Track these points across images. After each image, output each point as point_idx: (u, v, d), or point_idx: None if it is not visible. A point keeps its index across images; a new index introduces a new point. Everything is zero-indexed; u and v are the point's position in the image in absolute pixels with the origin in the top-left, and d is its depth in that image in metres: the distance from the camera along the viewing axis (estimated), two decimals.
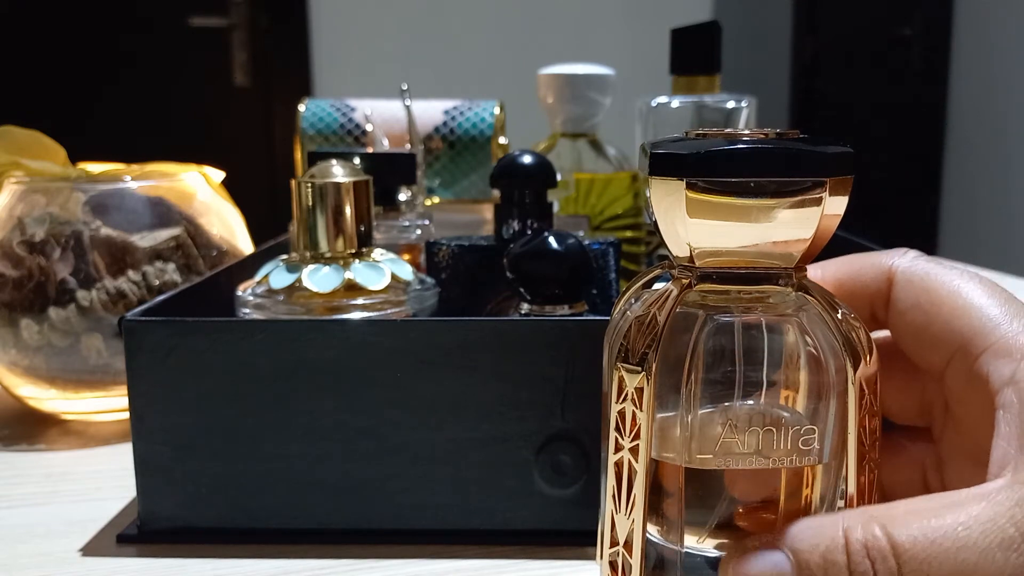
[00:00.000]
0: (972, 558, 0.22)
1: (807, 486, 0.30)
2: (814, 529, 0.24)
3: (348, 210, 0.46)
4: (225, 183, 0.62)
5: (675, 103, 0.65)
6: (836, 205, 0.28)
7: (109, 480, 0.47)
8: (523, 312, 0.45)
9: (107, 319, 0.53)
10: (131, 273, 0.54)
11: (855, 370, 0.28)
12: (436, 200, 0.70)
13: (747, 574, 0.24)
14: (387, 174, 0.57)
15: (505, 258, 0.45)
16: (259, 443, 0.39)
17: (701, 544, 0.31)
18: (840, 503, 0.30)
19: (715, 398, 0.30)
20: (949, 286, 0.29)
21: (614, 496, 0.28)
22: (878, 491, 0.29)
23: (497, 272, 0.48)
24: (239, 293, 0.46)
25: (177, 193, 0.57)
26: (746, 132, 0.28)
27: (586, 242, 0.49)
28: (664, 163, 0.27)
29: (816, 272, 0.32)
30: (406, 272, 0.47)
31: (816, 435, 0.30)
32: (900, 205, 2.47)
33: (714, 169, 0.27)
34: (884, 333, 0.31)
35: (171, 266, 0.55)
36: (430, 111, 0.71)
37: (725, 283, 0.29)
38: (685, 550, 0.31)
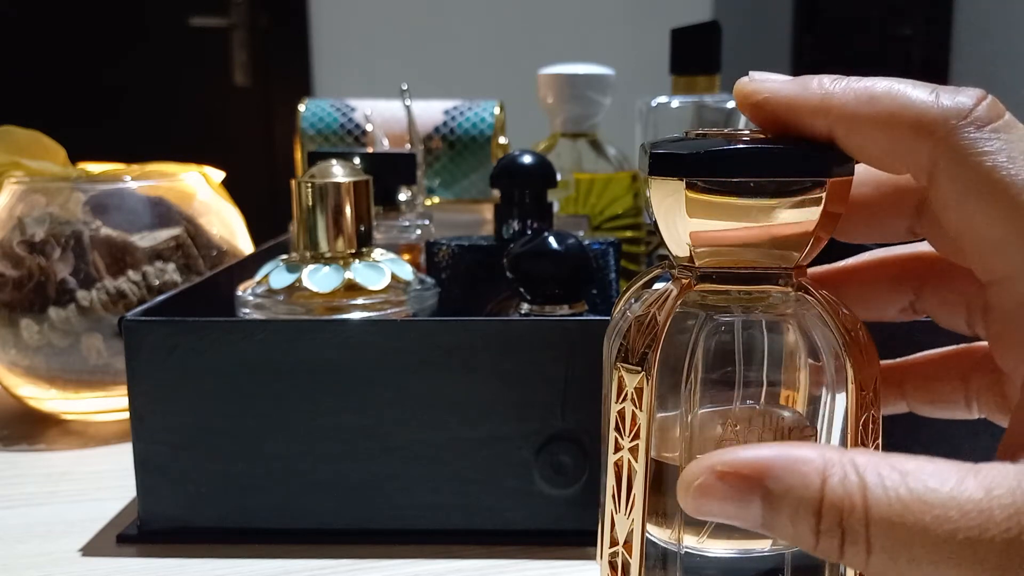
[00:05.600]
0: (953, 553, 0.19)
1: None
2: (791, 477, 0.20)
3: (348, 210, 0.46)
4: (225, 183, 0.62)
5: (675, 103, 0.65)
6: (836, 205, 0.28)
7: (109, 480, 0.47)
8: (523, 312, 0.45)
9: (107, 319, 0.53)
10: (131, 273, 0.54)
11: (855, 370, 0.28)
12: (436, 200, 0.70)
13: (709, 492, 0.21)
14: (387, 174, 0.57)
15: (505, 258, 0.45)
16: (259, 443, 0.39)
17: (701, 544, 0.31)
18: None
19: (715, 398, 0.30)
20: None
21: (614, 496, 0.28)
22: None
23: (497, 272, 0.48)
24: (239, 293, 0.46)
25: (177, 193, 0.57)
26: (746, 132, 0.28)
27: (586, 242, 0.49)
28: (664, 163, 0.27)
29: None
30: (406, 272, 0.47)
31: (816, 435, 0.30)
32: None
33: (714, 169, 0.27)
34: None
35: (171, 266, 0.55)
36: (430, 111, 0.71)
37: (725, 283, 0.29)
38: (685, 550, 0.31)
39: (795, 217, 0.27)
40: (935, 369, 0.30)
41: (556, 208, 0.56)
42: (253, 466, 0.39)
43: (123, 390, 0.42)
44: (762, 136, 0.28)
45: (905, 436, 0.37)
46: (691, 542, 0.31)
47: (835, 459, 0.20)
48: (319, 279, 0.44)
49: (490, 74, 2.22)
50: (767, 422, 0.29)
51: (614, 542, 0.29)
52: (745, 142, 0.27)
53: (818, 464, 0.20)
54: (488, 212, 0.64)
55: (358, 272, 0.45)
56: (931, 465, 0.21)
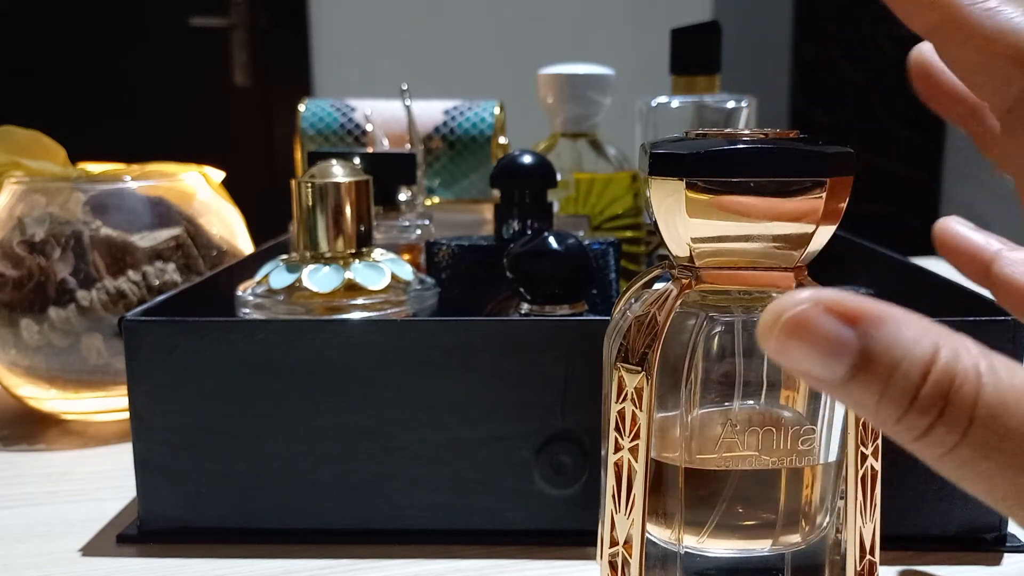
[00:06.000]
0: None
1: (807, 486, 0.30)
2: (901, 331, 0.18)
3: (348, 210, 0.46)
4: (225, 183, 0.62)
5: (675, 103, 0.65)
6: (836, 205, 0.28)
7: (109, 480, 0.47)
8: (523, 312, 0.45)
9: (107, 319, 0.53)
10: (131, 273, 0.54)
11: None
12: (436, 200, 0.70)
13: (805, 326, 0.18)
14: (387, 174, 0.56)
15: (505, 258, 0.45)
16: (259, 443, 0.39)
17: (701, 544, 0.31)
18: (840, 503, 0.30)
19: (715, 398, 0.30)
20: None
21: (614, 496, 0.28)
22: None
23: (497, 272, 0.48)
24: (239, 293, 0.46)
25: (177, 193, 0.57)
26: (746, 132, 0.28)
27: (586, 242, 0.49)
28: (664, 163, 0.27)
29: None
30: (406, 272, 0.47)
31: (816, 435, 0.30)
32: (900, 204, 2.47)
33: (714, 169, 0.27)
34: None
35: (171, 266, 0.55)
36: (430, 111, 0.71)
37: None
38: (685, 550, 0.31)
39: (795, 217, 0.27)
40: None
41: (556, 208, 0.56)
42: (253, 466, 0.39)
43: (123, 390, 0.42)
44: (762, 136, 0.28)
45: None
46: (691, 542, 0.31)
47: (946, 333, 0.18)
48: (319, 279, 0.44)
49: (490, 74, 2.22)
50: (767, 422, 0.30)
51: (614, 542, 0.29)
52: (745, 142, 0.27)
53: (932, 332, 0.18)
54: (488, 212, 0.64)
55: (358, 272, 0.45)
56: None
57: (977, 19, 0.24)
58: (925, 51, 0.27)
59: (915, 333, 0.17)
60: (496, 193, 0.53)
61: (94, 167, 0.59)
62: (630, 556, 0.28)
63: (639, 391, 0.27)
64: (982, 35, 0.24)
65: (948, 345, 0.17)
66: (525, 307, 0.45)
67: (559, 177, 0.55)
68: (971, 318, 0.36)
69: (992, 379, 0.17)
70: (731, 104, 0.64)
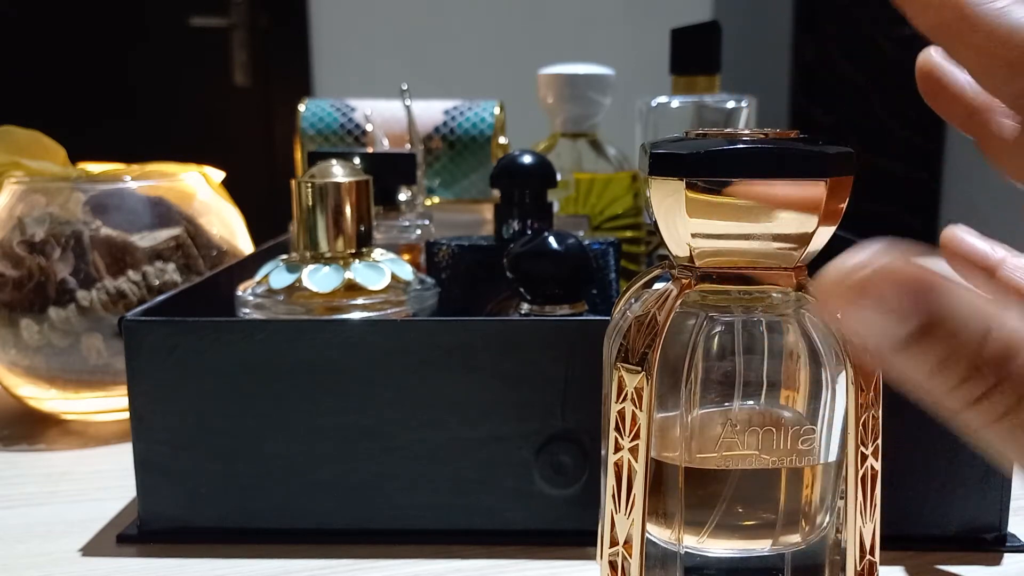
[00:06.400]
0: None
1: (807, 486, 0.30)
2: (964, 298, 0.18)
3: (348, 210, 0.46)
4: (225, 183, 0.62)
5: (675, 103, 0.65)
6: (836, 205, 0.28)
7: (109, 480, 0.47)
8: (523, 312, 0.45)
9: (107, 319, 0.53)
10: (131, 273, 0.54)
11: (855, 370, 0.28)
12: (436, 200, 0.70)
13: (874, 288, 0.17)
14: (387, 174, 0.57)
15: (505, 258, 0.45)
16: (259, 443, 0.39)
17: (701, 544, 0.31)
18: (840, 503, 0.30)
19: (715, 398, 0.30)
20: None
21: (614, 496, 0.28)
22: None
23: (497, 272, 0.48)
24: (239, 293, 0.46)
25: (177, 193, 0.57)
26: (746, 132, 0.28)
27: (586, 242, 0.49)
28: (664, 163, 0.27)
29: None
30: (406, 272, 0.47)
31: (816, 435, 0.30)
32: (900, 204, 2.47)
33: (714, 169, 0.27)
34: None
35: (171, 266, 0.55)
36: (430, 111, 0.71)
37: (725, 283, 0.29)
38: (685, 550, 0.31)
39: (795, 217, 0.27)
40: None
41: (556, 208, 0.56)
42: (253, 466, 0.39)
43: (123, 390, 0.42)
44: (762, 136, 0.28)
45: (905, 436, 0.37)
46: (691, 542, 0.31)
47: (1003, 303, 0.18)
48: (319, 279, 0.44)
49: (490, 74, 2.22)
50: (767, 422, 0.30)
51: (614, 542, 0.29)
52: (745, 142, 0.27)
53: (991, 302, 0.17)
54: (488, 212, 0.64)
55: (358, 272, 0.45)
56: None
57: (987, 18, 0.24)
58: (933, 54, 0.27)
59: (977, 301, 0.17)
60: (496, 193, 0.53)
61: (94, 167, 0.59)
62: (630, 556, 0.28)
63: (639, 391, 0.27)
64: (993, 35, 0.24)
65: (1007, 314, 0.17)
66: (525, 307, 0.45)
67: (559, 177, 0.55)
68: None
69: None
70: (731, 104, 0.64)
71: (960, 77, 0.27)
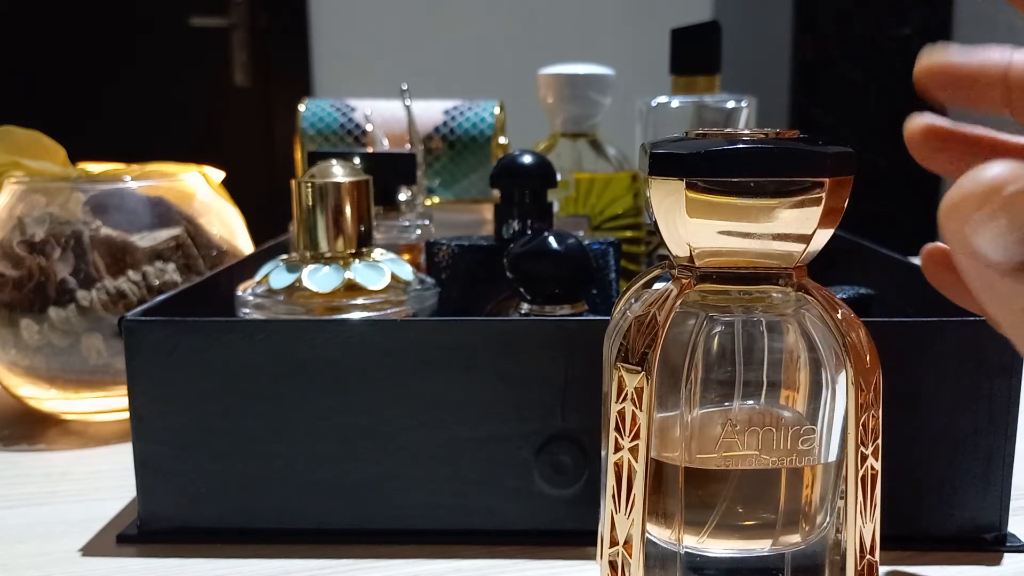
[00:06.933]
0: None
1: (807, 486, 0.30)
2: None
3: (348, 210, 0.46)
4: (225, 183, 0.62)
5: (675, 103, 0.65)
6: (836, 205, 0.28)
7: (109, 480, 0.47)
8: (523, 312, 0.45)
9: (107, 319, 0.53)
10: (131, 273, 0.54)
11: (855, 370, 0.28)
12: (436, 200, 0.70)
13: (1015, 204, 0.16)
14: (387, 174, 0.57)
15: (505, 258, 0.45)
16: (259, 443, 0.39)
17: (701, 544, 0.31)
18: (840, 503, 0.31)
19: (715, 398, 0.30)
20: None
21: (614, 496, 0.28)
22: None
23: (497, 272, 0.48)
24: (239, 293, 0.46)
25: (177, 193, 0.57)
26: (746, 132, 0.28)
27: (586, 242, 0.49)
28: (664, 163, 0.27)
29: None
30: (406, 272, 0.47)
31: (816, 435, 0.30)
32: (900, 204, 2.47)
33: (714, 169, 0.27)
34: None
35: (171, 266, 0.55)
36: (430, 111, 0.71)
37: (725, 283, 0.29)
38: (685, 550, 0.31)
39: (795, 217, 0.27)
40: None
41: (556, 208, 0.56)
42: (253, 466, 0.39)
43: (123, 390, 0.42)
44: (762, 136, 0.28)
45: (906, 437, 0.37)
46: (691, 542, 0.31)
47: None
48: (319, 279, 0.44)
49: (490, 74, 2.22)
50: (767, 422, 0.30)
51: (614, 542, 0.29)
52: (745, 142, 0.27)
53: None
54: (488, 212, 0.64)
55: (358, 272, 0.45)
56: None
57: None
58: (926, 118, 0.27)
59: None
60: (496, 193, 0.53)
61: (94, 167, 0.59)
62: (630, 556, 0.28)
63: (639, 391, 0.27)
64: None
65: None
66: (525, 307, 0.45)
67: (559, 177, 0.55)
68: (971, 318, 0.36)
69: None
70: (731, 104, 0.64)
71: (973, 56, 0.25)
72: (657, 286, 0.31)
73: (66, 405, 0.55)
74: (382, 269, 0.46)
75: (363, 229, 0.47)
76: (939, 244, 0.28)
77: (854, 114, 2.54)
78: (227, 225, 0.60)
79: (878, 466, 0.29)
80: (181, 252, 0.56)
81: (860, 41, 2.49)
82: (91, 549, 0.40)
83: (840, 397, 0.29)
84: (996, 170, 0.17)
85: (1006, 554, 0.39)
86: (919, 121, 0.27)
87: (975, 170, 0.17)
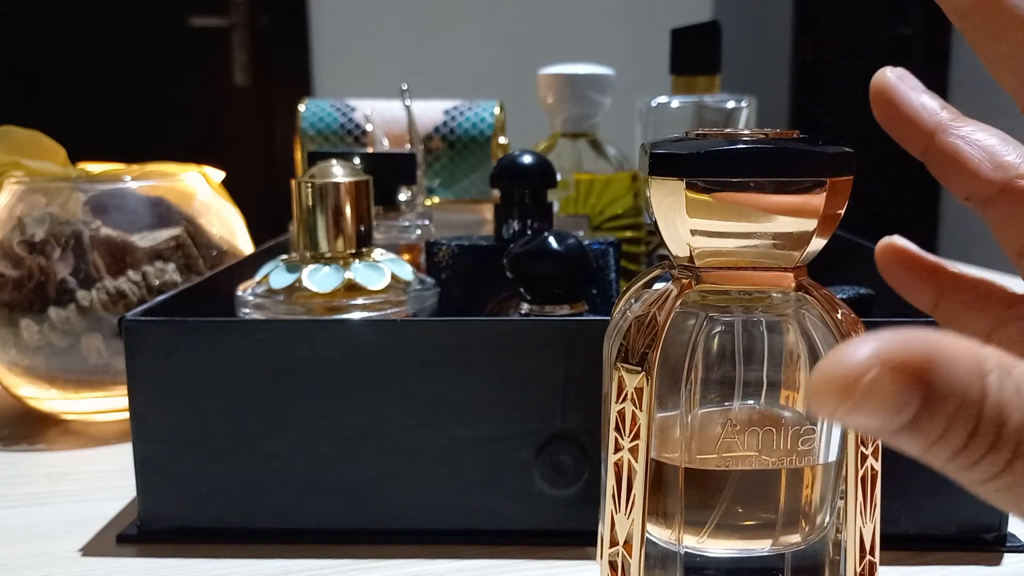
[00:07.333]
0: None
1: (807, 486, 0.30)
2: (954, 372, 0.17)
3: (348, 210, 0.46)
4: (225, 183, 0.62)
5: (675, 103, 0.65)
6: (836, 205, 0.28)
7: (109, 480, 0.47)
8: (523, 312, 0.45)
9: (107, 319, 0.53)
10: (131, 273, 0.54)
11: None
12: (436, 200, 0.70)
13: (875, 391, 0.17)
14: (387, 174, 0.57)
15: (505, 258, 0.45)
16: (259, 443, 0.39)
17: (701, 544, 0.31)
18: (840, 503, 0.31)
19: (715, 398, 0.30)
20: None
21: (614, 496, 0.28)
22: None
23: (497, 272, 0.48)
24: (239, 293, 0.46)
25: (177, 193, 0.57)
26: (746, 132, 0.28)
27: (586, 242, 0.49)
28: (664, 163, 0.27)
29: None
30: (406, 272, 0.47)
31: (816, 435, 0.30)
32: (900, 204, 2.47)
33: (714, 169, 0.27)
34: None
35: (171, 266, 0.55)
36: (430, 111, 0.71)
37: (725, 283, 0.29)
38: (685, 550, 0.31)
39: (795, 217, 0.27)
40: (972, 301, 0.27)
41: (556, 208, 0.56)
42: (253, 466, 0.39)
43: (123, 390, 0.42)
44: (762, 136, 0.28)
45: None
46: (691, 542, 0.31)
47: (989, 355, 0.17)
48: (319, 279, 0.44)
49: (490, 74, 2.22)
50: (767, 422, 0.29)
51: (614, 542, 0.29)
52: (745, 142, 0.27)
53: (979, 360, 0.17)
54: (488, 212, 0.64)
55: (358, 272, 0.45)
56: None
57: (1015, 7, 0.23)
58: (888, 74, 0.27)
59: (967, 367, 0.17)
60: (496, 193, 0.53)
61: (94, 167, 0.59)
62: (630, 556, 0.28)
63: (639, 391, 0.27)
64: (1015, 22, 0.23)
65: (995, 371, 0.17)
66: (525, 307, 0.45)
67: (559, 177, 0.55)
68: None
69: None
70: (731, 104, 0.64)
71: (915, 100, 0.26)
72: (657, 286, 0.31)
73: (66, 405, 0.55)
74: (382, 269, 0.46)
75: (363, 229, 0.47)
76: (894, 239, 0.29)
77: (854, 114, 2.55)
78: (227, 225, 0.60)
79: (878, 466, 0.29)
80: (181, 252, 0.56)
81: (860, 41, 2.49)
82: (91, 549, 0.40)
83: None
84: (851, 360, 0.17)
85: (1006, 554, 0.39)
86: (878, 78, 0.27)
87: (834, 353, 0.17)
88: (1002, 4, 0.24)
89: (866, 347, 0.17)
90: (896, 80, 0.26)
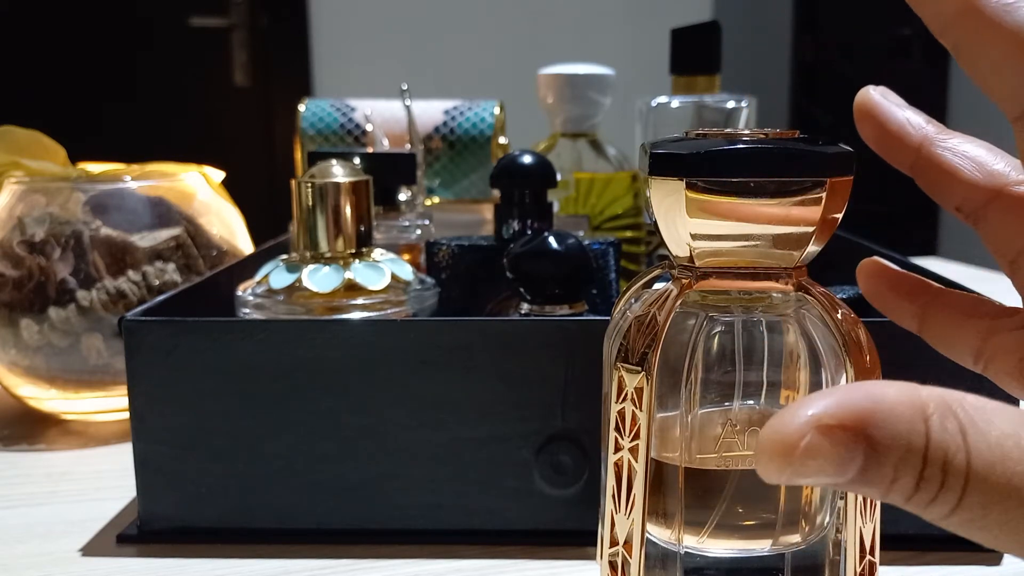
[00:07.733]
0: None
1: (807, 486, 0.30)
2: (895, 421, 0.18)
3: (348, 210, 0.46)
4: (225, 183, 0.62)
5: (675, 103, 0.65)
6: (836, 205, 0.28)
7: (109, 480, 0.47)
8: (523, 312, 0.45)
9: (107, 319, 0.53)
10: (131, 273, 0.54)
11: (855, 370, 0.28)
12: (436, 200, 0.70)
13: (813, 454, 0.18)
14: (387, 174, 0.56)
15: (505, 258, 0.45)
16: (259, 443, 0.39)
17: (701, 544, 0.31)
18: (840, 503, 0.30)
19: (715, 398, 0.30)
20: None
21: (614, 496, 0.28)
22: None
23: (497, 272, 0.48)
24: (239, 293, 0.46)
25: (177, 193, 0.57)
26: (746, 132, 0.28)
27: (586, 242, 0.49)
28: (664, 163, 0.27)
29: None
30: (406, 272, 0.47)
31: None
32: (899, 205, 2.48)
33: (714, 169, 0.27)
34: None
35: (171, 266, 0.55)
36: (430, 111, 0.71)
37: (725, 283, 0.29)
38: (685, 550, 0.31)
39: (795, 217, 0.27)
40: (959, 316, 0.28)
41: (556, 208, 0.56)
42: (253, 466, 0.39)
43: (123, 390, 0.42)
44: (762, 136, 0.28)
45: None
46: (691, 542, 0.31)
47: (929, 396, 0.18)
48: (319, 279, 0.44)
49: (490, 74, 2.22)
50: (767, 422, 0.29)
51: (614, 542, 0.29)
52: (745, 142, 0.27)
53: (918, 405, 0.18)
54: (488, 212, 0.64)
55: (358, 272, 0.45)
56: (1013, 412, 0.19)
57: (995, 15, 0.23)
58: (872, 92, 0.27)
59: (907, 415, 0.18)
60: (496, 193, 0.53)
61: (94, 167, 0.59)
62: (630, 556, 0.28)
63: (639, 391, 0.27)
64: (1000, 32, 0.23)
65: (935, 415, 0.18)
66: (525, 307, 0.45)
67: (559, 177, 0.55)
68: None
69: (976, 440, 0.18)
70: (731, 104, 0.64)
71: (900, 115, 0.26)
72: (657, 286, 0.31)
73: (66, 405, 0.55)
74: (382, 269, 0.46)
75: (363, 229, 0.47)
76: (875, 259, 0.30)
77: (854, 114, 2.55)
78: (227, 225, 0.60)
79: None
80: (181, 252, 0.56)
81: (860, 41, 2.49)
82: (91, 549, 0.40)
83: None
84: (788, 428, 0.18)
85: (1006, 554, 0.39)
86: (861, 97, 0.27)
87: (774, 420, 0.18)
88: (976, 12, 0.24)
89: (802, 412, 0.18)
90: (880, 98, 0.26)
